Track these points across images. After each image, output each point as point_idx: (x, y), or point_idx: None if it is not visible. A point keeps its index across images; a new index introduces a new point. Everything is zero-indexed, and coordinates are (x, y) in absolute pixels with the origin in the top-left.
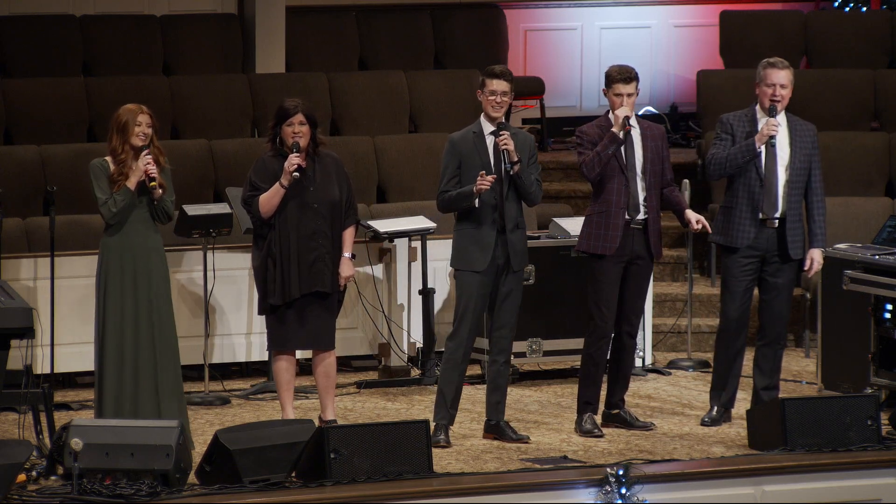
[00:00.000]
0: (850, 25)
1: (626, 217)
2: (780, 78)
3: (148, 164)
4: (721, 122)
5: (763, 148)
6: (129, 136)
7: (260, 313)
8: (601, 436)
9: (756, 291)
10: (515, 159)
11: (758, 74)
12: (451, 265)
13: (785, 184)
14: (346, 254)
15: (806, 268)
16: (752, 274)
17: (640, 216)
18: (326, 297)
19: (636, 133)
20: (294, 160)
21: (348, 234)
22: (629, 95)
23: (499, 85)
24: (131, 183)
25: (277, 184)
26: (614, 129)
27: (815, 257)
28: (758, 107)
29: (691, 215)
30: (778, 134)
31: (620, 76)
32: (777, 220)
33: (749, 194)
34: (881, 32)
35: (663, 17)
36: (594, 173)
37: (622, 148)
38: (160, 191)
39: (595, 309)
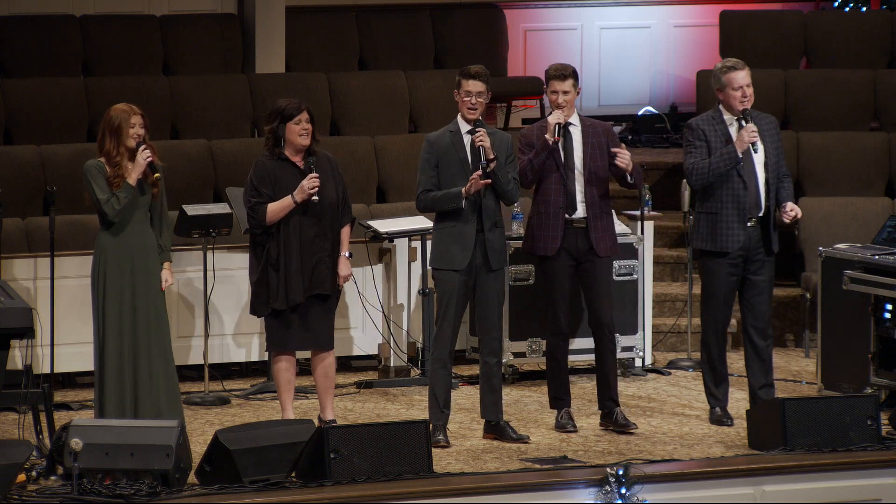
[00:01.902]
0: (850, 25)
1: (566, 216)
2: (744, 78)
3: (148, 157)
4: (691, 128)
5: (741, 153)
6: (124, 138)
7: (253, 313)
8: (574, 430)
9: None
10: (491, 156)
11: (718, 81)
12: (430, 265)
13: (764, 182)
14: (344, 253)
15: (788, 219)
16: (737, 276)
17: (579, 214)
18: (326, 299)
19: (576, 131)
20: (314, 181)
21: (345, 234)
22: (565, 93)
23: (474, 86)
24: (132, 179)
25: (290, 197)
26: (546, 136)
27: (794, 207)
28: (722, 108)
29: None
30: (757, 140)
31: (556, 73)
32: (759, 219)
33: (734, 198)
34: (881, 32)
35: (663, 17)
36: (527, 180)
37: (562, 147)
38: (157, 188)
39: (549, 307)
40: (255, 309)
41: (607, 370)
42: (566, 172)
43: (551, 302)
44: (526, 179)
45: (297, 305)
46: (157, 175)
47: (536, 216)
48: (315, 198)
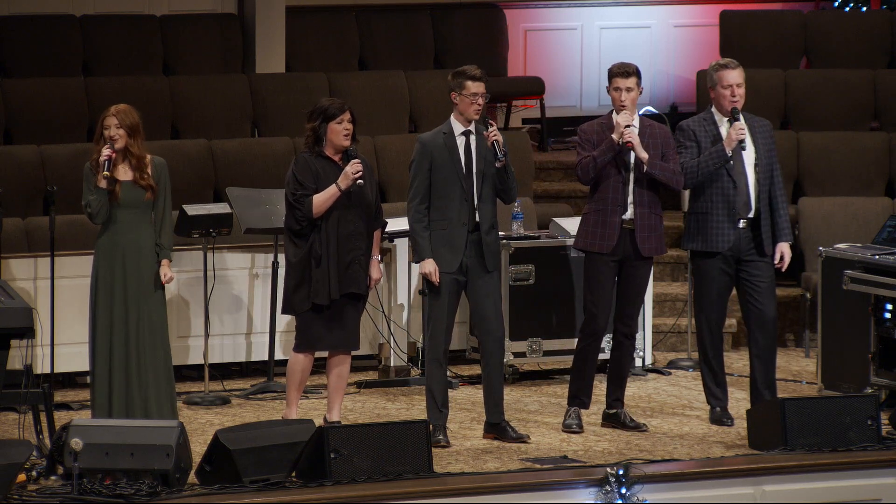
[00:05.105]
0: (850, 25)
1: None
2: (735, 77)
3: (104, 157)
4: (682, 129)
5: (730, 151)
6: (97, 139)
7: (288, 311)
8: (579, 431)
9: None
10: (505, 151)
11: (710, 79)
12: None
13: (755, 183)
14: (376, 256)
15: (777, 263)
16: (730, 275)
17: (628, 215)
18: (359, 299)
19: (635, 131)
20: (357, 166)
21: (376, 237)
22: (628, 90)
23: (478, 87)
24: (100, 182)
25: (334, 186)
26: (613, 136)
27: (786, 251)
28: (713, 109)
29: None
30: (746, 137)
31: (619, 70)
32: (750, 220)
33: (724, 198)
34: (881, 32)
35: (663, 17)
36: (588, 177)
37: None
38: (104, 183)
39: (590, 306)
40: (293, 306)
41: (623, 372)
42: (624, 173)
43: (593, 301)
44: (587, 177)
45: (334, 305)
46: (104, 173)
47: (594, 213)
48: (360, 181)
